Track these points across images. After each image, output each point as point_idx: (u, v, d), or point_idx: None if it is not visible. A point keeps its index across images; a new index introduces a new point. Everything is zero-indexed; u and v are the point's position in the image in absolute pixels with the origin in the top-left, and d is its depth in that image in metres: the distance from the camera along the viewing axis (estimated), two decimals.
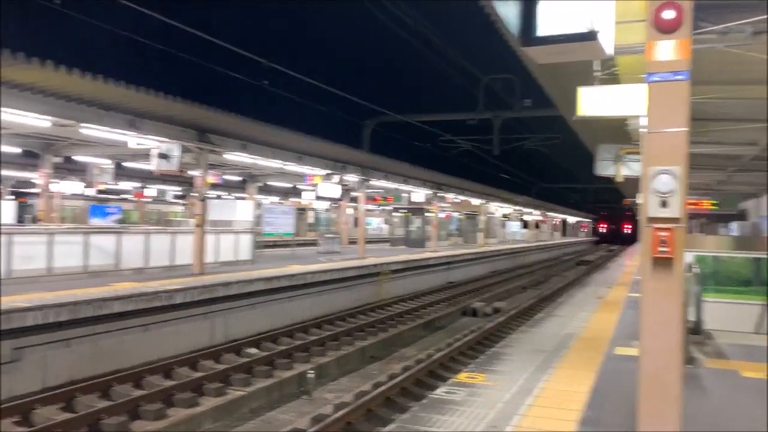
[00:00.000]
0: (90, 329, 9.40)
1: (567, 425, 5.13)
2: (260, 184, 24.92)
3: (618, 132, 10.79)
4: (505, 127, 27.28)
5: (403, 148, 30.93)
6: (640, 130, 7.53)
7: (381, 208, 46.06)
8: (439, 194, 28.31)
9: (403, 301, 18.78)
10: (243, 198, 25.43)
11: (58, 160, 16.05)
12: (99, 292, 10.10)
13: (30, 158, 20.59)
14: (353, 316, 15.44)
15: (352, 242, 28.86)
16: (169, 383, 9.07)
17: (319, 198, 29.05)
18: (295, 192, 34.81)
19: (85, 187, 24.77)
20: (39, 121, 10.31)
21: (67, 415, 7.63)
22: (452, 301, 19.77)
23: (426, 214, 31.13)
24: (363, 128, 29.19)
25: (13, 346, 8.23)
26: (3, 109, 9.30)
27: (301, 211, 41.99)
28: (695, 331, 8.22)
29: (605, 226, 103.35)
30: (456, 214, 38.36)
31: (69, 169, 23.40)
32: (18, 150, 16.58)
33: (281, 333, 12.70)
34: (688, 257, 8.74)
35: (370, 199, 29.81)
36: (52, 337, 8.80)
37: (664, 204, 3.87)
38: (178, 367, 9.85)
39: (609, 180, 12.59)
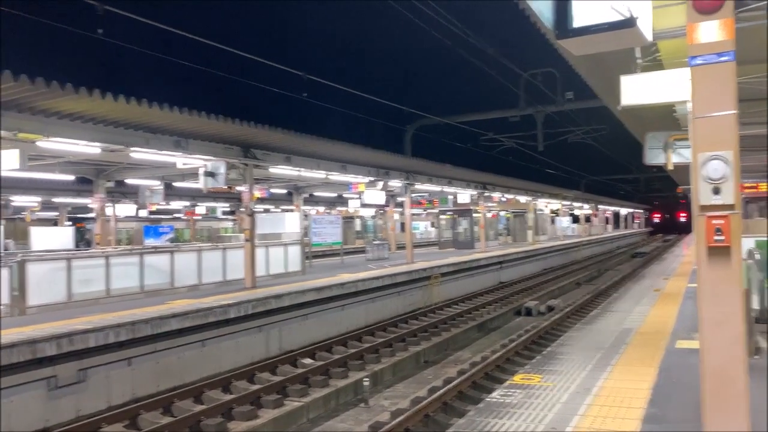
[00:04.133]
0: (150, 347, 9.65)
1: (629, 424, 4.98)
2: (306, 196, 25.19)
3: (666, 119, 10.49)
4: (549, 121, 26.82)
5: (446, 149, 30.82)
6: (689, 115, 7.30)
7: (427, 211, 46.00)
8: (485, 194, 28.06)
9: (455, 303, 18.64)
10: (290, 210, 25.75)
11: (110, 184, 16.57)
12: (156, 310, 10.35)
13: (84, 184, 21.40)
14: (405, 322, 15.41)
15: (401, 248, 28.85)
16: (228, 397, 9.21)
17: (364, 205, 29.23)
18: (341, 201, 35.11)
19: (138, 208, 25.57)
20: (89, 148, 10.66)
21: None
22: (505, 301, 19.53)
23: (473, 214, 30.89)
24: (404, 133, 29.19)
25: (77, 367, 8.51)
26: (55, 139, 9.66)
27: (348, 219, 42.30)
28: (761, 319, 7.89)
29: (659, 215, 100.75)
30: (504, 213, 37.94)
31: (122, 192, 24.22)
32: (71, 177, 17.21)
33: (335, 342, 12.76)
34: (749, 243, 8.40)
35: (416, 203, 29.74)
36: (114, 356, 9.07)
37: (716, 191, 3.72)
38: (236, 381, 9.99)
39: (661, 168, 12.26)
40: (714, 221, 3.75)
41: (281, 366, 10.95)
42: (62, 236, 18.22)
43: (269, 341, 12.16)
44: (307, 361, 11.42)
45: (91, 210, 22.77)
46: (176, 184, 20.49)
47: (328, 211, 40.14)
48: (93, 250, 14.82)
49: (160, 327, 9.71)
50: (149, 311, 10.26)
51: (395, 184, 20.96)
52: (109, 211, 21.87)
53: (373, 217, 46.28)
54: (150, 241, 23.06)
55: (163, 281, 13.27)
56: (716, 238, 3.75)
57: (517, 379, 6.62)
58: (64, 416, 8.27)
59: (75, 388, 8.48)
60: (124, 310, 10.41)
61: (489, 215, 32.22)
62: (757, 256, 7.71)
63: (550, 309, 17.66)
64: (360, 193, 21.41)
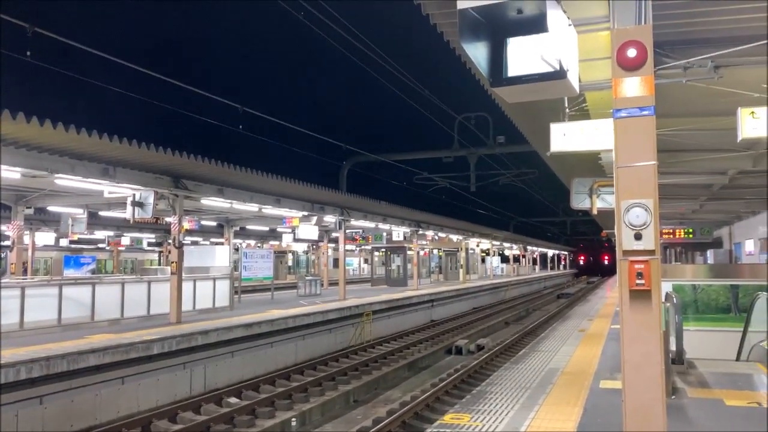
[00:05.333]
0: (65, 384, 9.12)
1: None
2: (237, 229, 24.75)
3: (592, 165, 10.97)
4: (481, 163, 27.62)
5: (381, 187, 31.16)
6: (613, 163, 7.66)
7: (361, 247, 46.03)
8: (418, 232, 28.36)
9: (386, 341, 18.58)
10: (220, 243, 25.21)
11: (30, 211, 15.79)
12: (73, 345, 9.83)
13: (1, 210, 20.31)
14: (336, 360, 15.21)
15: (333, 284, 28.67)
16: None
17: (298, 240, 28.99)
18: (273, 235, 34.69)
19: (58, 237, 24.46)
20: (9, 173, 10.16)
21: None
22: (436, 339, 19.61)
23: (406, 252, 31.13)
24: (340, 169, 29.34)
25: None
26: None
27: (281, 254, 41.81)
28: (677, 360, 8.22)
29: (584, 258, 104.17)
30: (436, 251, 38.43)
31: (42, 220, 23.12)
32: None
33: (263, 380, 12.44)
34: (667, 287, 8.80)
35: (350, 239, 29.72)
36: (25, 394, 8.51)
37: (638, 237, 3.90)
38: (157, 420, 9.57)
39: (586, 213, 12.74)
40: (636, 265, 3.91)
41: (206, 405, 10.56)
42: None
43: (194, 379, 11.73)
44: (233, 400, 11.07)
45: (6, 237, 21.60)
46: (102, 213, 19.74)
47: (259, 244, 39.57)
48: (6, 280, 14.00)
49: (77, 363, 9.22)
50: (66, 346, 9.73)
51: (330, 219, 20.92)
52: (26, 239, 20.81)
53: (306, 252, 45.94)
54: (70, 272, 22.00)
55: (82, 314, 12.65)
56: (637, 281, 3.91)
57: (446, 418, 6.61)
58: None
59: None
60: (38, 345, 9.84)
61: (422, 253, 32.54)
62: (675, 300, 8.07)
63: (480, 348, 17.85)
64: (294, 228, 21.23)
